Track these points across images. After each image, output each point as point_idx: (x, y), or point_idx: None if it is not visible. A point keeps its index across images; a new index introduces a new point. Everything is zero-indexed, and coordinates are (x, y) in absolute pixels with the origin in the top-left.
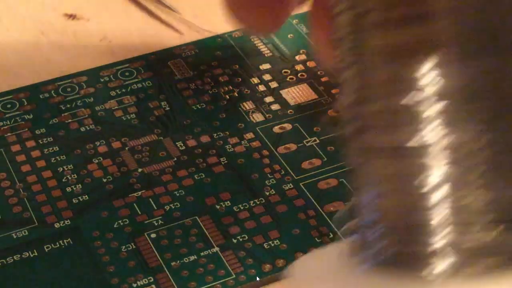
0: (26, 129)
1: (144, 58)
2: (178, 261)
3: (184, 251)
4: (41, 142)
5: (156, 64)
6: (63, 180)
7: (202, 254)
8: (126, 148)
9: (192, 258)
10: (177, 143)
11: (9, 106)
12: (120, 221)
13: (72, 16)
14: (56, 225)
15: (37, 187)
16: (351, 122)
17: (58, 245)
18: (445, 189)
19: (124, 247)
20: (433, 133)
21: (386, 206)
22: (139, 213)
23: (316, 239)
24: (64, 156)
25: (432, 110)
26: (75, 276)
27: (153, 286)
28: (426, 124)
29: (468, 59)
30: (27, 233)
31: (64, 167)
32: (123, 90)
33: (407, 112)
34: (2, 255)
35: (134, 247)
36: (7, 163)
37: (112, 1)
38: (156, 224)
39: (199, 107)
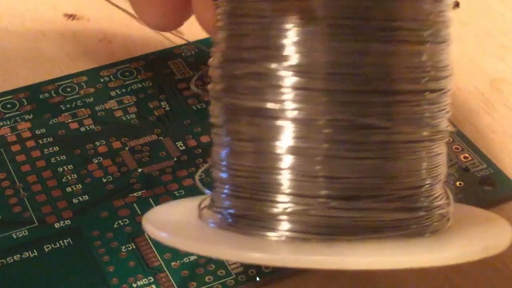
0: (26, 129)
1: (144, 58)
2: (178, 261)
3: (184, 251)
4: (41, 142)
5: (156, 64)
6: (63, 180)
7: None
8: (126, 148)
9: (192, 258)
10: (177, 143)
11: (9, 106)
12: (120, 221)
13: (72, 16)
14: (56, 225)
15: (37, 187)
16: (219, 81)
17: (58, 245)
18: (291, 158)
19: (124, 247)
20: (288, 103)
21: (239, 165)
22: (139, 213)
23: None
24: (64, 156)
25: (292, 81)
26: (75, 276)
27: (153, 286)
28: (284, 93)
29: (335, 39)
30: (27, 233)
31: (64, 167)
32: (123, 90)
33: (269, 78)
34: (2, 255)
35: (134, 247)
36: (7, 163)
37: (112, 1)
38: None
39: (199, 107)
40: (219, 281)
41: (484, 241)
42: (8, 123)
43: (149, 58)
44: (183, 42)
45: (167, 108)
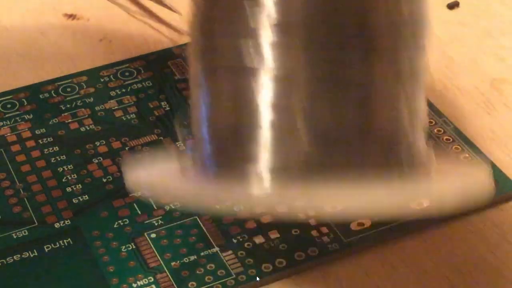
0: (26, 129)
1: (144, 58)
2: (178, 261)
3: (184, 251)
4: (41, 142)
5: (156, 64)
6: (63, 180)
7: (202, 254)
8: (126, 148)
9: (192, 258)
10: (177, 143)
11: (9, 106)
12: (120, 221)
13: (72, 16)
14: (56, 225)
15: (37, 187)
16: (198, 41)
17: (58, 245)
18: (271, 114)
19: (124, 247)
20: (268, 60)
21: (219, 122)
22: (139, 213)
23: (316, 239)
24: (64, 156)
25: (271, 39)
26: (75, 276)
27: (153, 286)
28: (263, 51)
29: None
30: (27, 233)
31: (64, 167)
32: (123, 90)
33: (248, 36)
34: (2, 255)
35: (134, 247)
36: (7, 163)
37: (112, 1)
38: (156, 224)
39: None
40: (219, 281)
41: (464, 185)
42: (8, 123)
43: (149, 58)
44: (183, 42)
45: (167, 108)
